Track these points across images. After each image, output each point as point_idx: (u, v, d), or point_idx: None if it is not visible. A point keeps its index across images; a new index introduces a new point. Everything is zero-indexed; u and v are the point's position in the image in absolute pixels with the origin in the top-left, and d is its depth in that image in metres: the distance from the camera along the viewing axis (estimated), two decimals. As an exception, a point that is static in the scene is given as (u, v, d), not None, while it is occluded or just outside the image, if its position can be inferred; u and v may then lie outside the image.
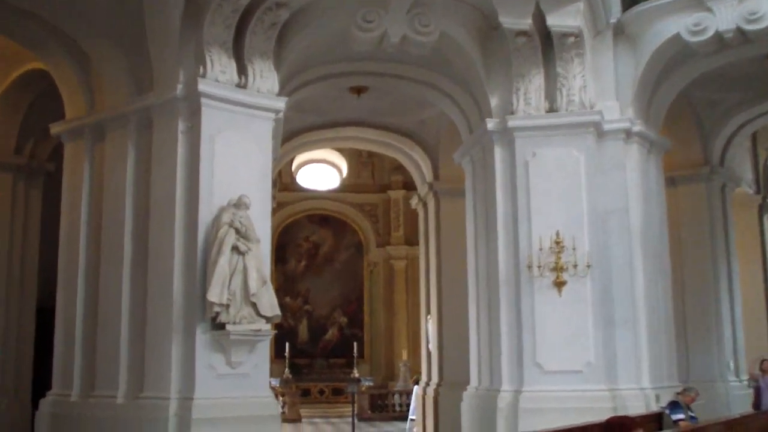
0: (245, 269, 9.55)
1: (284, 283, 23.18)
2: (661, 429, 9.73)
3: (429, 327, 16.93)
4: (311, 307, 23.76)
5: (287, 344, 22.06)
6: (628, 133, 11.83)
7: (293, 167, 24.45)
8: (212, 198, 9.69)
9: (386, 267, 23.89)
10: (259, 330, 9.61)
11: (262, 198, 10.10)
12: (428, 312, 17.21)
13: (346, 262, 23.98)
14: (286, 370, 21.93)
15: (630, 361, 11.32)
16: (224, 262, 9.41)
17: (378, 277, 24.03)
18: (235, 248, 9.51)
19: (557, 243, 11.04)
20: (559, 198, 11.26)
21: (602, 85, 11.76)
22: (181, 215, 9.86)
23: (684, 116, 15.00)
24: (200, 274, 9.56)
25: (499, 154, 11.82)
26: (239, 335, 9.50)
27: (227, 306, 9.42)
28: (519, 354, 11.19)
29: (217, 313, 9.43)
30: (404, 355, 22.29)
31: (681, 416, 10.10)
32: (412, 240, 23.07)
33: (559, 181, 11.33)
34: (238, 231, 9.57)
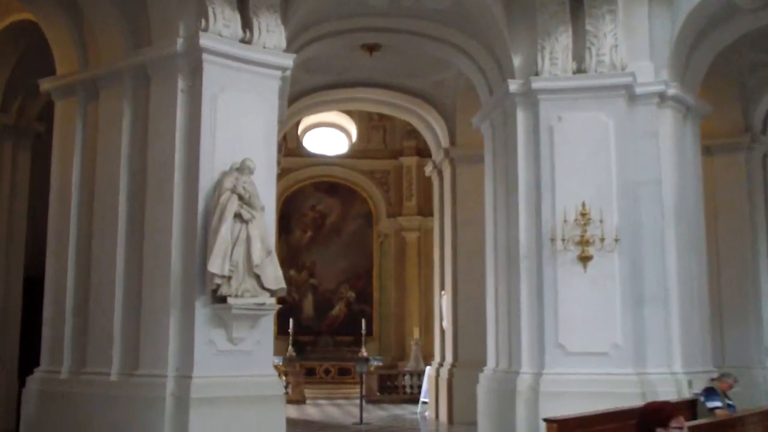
0: (248, 239, 9.53)
1: (288, 254, 23.10)
2: (695, 418, 9.62)
3: (443, 304, 16.96)
4: (317, 280, 23.70)
5: (291, 320, 22.01)
6: (662, 97, 11.73)
7: (299, 131, 24.41)
8: (213, 162, 9.68)
9: (397, 239, 23.75)
10: (263, 304, 9.59)
11: (267, 162, 10.08)
12: (442, 288, 17.20)
13: (354, 234, 23.85)
14: (290, 347, 21.99)
15: (660, 342, 11.29)
16: (226, 231, 9.39)
17: (388, 249, 23.92)
18: (237, 216, 9.49)
19: (583, 215, 11.01)
20: (585, 166, 11.21)
21: (635, 44, 11.66)
22: (180, 180, 9.85)
23: (723, 79, 14.88)
24: (200, 244, 9.56)
25: (521, 118, 11.77)
26: (241, 309, 9.52)
27: (229, 278, 9.40)
28: (540, 334, 11.17)
29: (218, 286, 9.42)
30: (416, 334, 22.25)
31: (718, 404, 10.01)
32: (425, 210, 23.01)
33: (586, 148, 11.26)
34: (241, 197, 9.53)
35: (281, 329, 21.78)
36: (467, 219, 15.86)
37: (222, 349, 9.58)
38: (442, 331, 17.11)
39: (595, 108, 11.35)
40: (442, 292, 17.08)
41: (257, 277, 9.59)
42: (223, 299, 9.50)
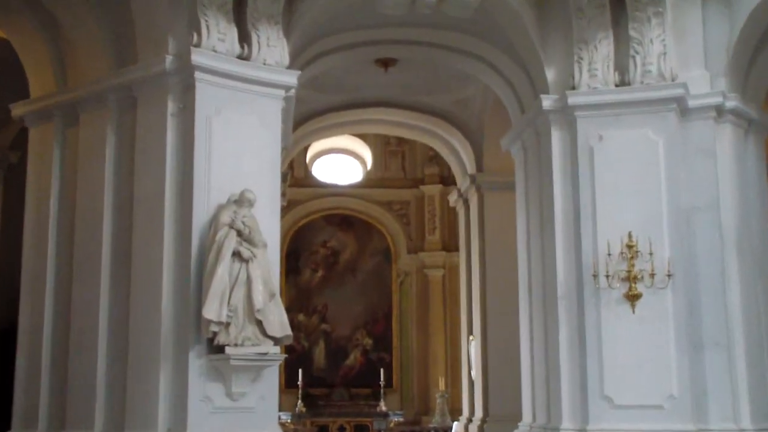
0: (249, 280, 9.46)
1: (297, 297, 22.93)
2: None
3: (471, 350, 16.87)
4: (329, 326, 23.41)
5: (300, 371, 21.78)
6: (719, 111, 11.59)
7: (307, 158, 24.31)
8: (209, 193, 9.64)
9: (420, 277, 23.61)
10: (266, 353, 9.51)
11: (270, 193, 10.05)
12: (470, 332, 17.13)
13: (371, 272, 23.67)
14: (299, 402, 21.65)
15: (724, 393, 11.09)
16: (223, 272, 9.33)
17: (410, 289, 23.71)
18: (236, 254, 9.43)
19: (630, 247, 10.87)
20: (631, 191, 11.09)
21: (687, 50, 11.55)
22: (171, 214, 9.80)
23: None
24: (194, 287, 9.51)
25: (557, 138, 11.68)
26: (241, 360, 9.42)
27: (227, 324, 9.32)
28: (583, 384, 11.00)
29: (215, 334, 9.34)
30: (441, 385, 21.94)
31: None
32: (450, 245, 22.91)
33: (632, 171, 11.14)
34: (240, 233, 9.48)
35: (289, 381, 21.61)
36: (497, 254, 15.75)
37: (220, 406, 9.46)
38: (471, 382, 16.95)
39: (642, 125, 11.24)
40: (471, 337, 16.97)
41: (259, 323, 9.49)
42: (220, 349, 9.39)
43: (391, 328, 23.49)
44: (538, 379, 11.95)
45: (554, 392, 11.40)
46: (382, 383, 22.14)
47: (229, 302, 9.32)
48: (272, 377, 9.95)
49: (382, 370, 22.30)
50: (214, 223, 9.52)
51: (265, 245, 9.64)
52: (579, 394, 11.04)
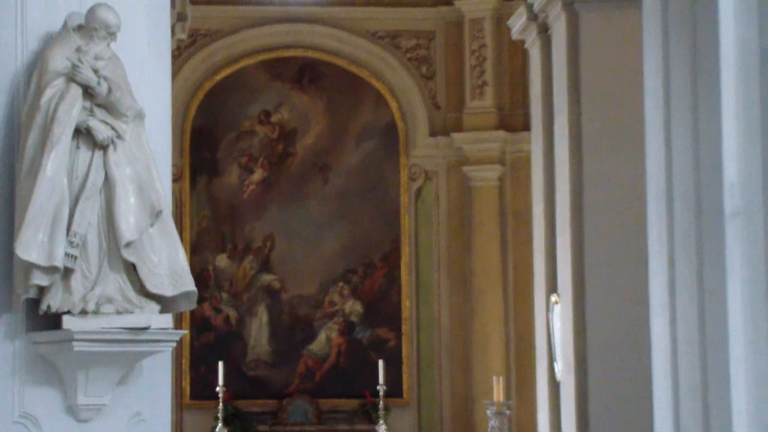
0: (109, 184, 6.66)
1: (213, 222, 16.34)
2: None
3: (554, 324, 12.91)
4: (277, 278, 16.60)
5: (220, 366, 14.58)
6: None
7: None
8: (25, 15, 6.92)
9: (455, 182, 17.01)
10: (146, 328, 6.67)
11: (150, 16, 7.34)
12: (552, 289, 13.00)
13: (357, 174, 16.79)
14: (219, 426, 14.89)
15: None
16: (56, 169, 6.60)
17: (434, 207, 16.97)
18: (83, 133, 6.67)
19: None
20: None
21: None
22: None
23: None
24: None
25: None
26: (96, 343, 6.59)
27: (65, 273, 6.56)
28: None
29: (41, 292, 6.58)
30: (497, 391, 15.34)
31: None
32: (513, 119, 16.81)
33: None
34: (90, 91, 6.64)
35: (198, 387, 15.66)
36: (605, 132, 11.89)
37: (54, 432, 7.07)
38: (555, 383, 12.94)
39: None
40: (553, 300, 12.78)
41: (131, 271, 6.61)
42: (53, 321, 6.63)
43: (396, 281, 16.93)
44: (686, 374, 8.55)
45: (716, 396, 8.15)
46: (381, 389, 15.06)
47: (69, 229, 6.48)
48: (158, 377, 7.13)
49: (381, 364, 15.14)
50: (36, 73, 6.65)
51: (139, 115, 6.84)
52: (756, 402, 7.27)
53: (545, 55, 13.06)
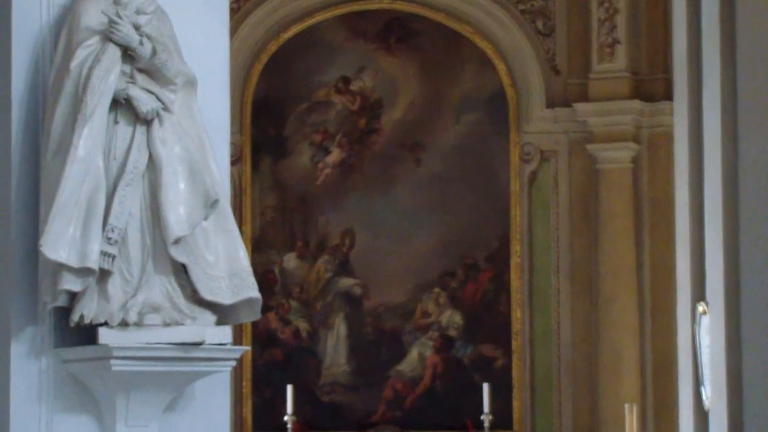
0: (155, 168, 6.26)
1: (280, 214, 15.23)
2: None
3: (701, 336, 12.01)
4: (359, 283, 15.50)
5: (289, 390, 13.92)
6: None
7: None
8: None
9: (579, 165, 16.00)
10: (201, 343, 6.24)
11: None
12: (699, 297, 12.16)
13: (457, 153, 15.82)
14: None
15: None
16: (89, 148, 6.19)
17: (553, 193, 15.92)
18: (122, 104, 6.20)
19: None
20: None
21: None
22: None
23: None
24: (20, 187, 6.57)
25: None
26: (139, 361, 6.22)
27: (102, 276, 6.12)
28: None
29: (72, 298, 6.10)
30: (630, 420, 15.09)
31: None
32: (649, 84, 15.85)
33: None
34: (131, 53, 6.24)
35: (264, 415, 14.64)
36: (767, 101, 11.36)
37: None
38: (702, 413, 12.03)
39: None
40: (700, 309, 11.88)
41: (180, 272, 6.17)
42: (87, 333, 6.17)
43: (505, 287, 15.72)
44: None
45: None
46: (486, 418, 14.26)
47: (106, 222, 6.08)
48: (214, 402, 6.56)
49: (486, 388, 14.32)
50: (65, 31, 6.33)
51: (191, 82, 6.36)
52: None
53: (692, 5, 12.60)
